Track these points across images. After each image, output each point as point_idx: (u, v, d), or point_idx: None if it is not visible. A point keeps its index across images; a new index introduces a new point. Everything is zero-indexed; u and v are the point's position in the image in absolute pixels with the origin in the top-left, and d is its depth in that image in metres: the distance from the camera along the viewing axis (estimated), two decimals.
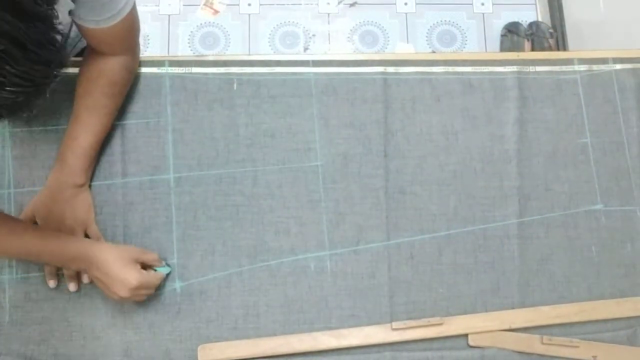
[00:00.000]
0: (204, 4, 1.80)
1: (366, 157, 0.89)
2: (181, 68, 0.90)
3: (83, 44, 0.97)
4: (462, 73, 0.93)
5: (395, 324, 0.83)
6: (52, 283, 0.80)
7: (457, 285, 0.86)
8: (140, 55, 0.88)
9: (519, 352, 0.83)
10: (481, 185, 0.90)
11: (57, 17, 0.52)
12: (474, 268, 0.87)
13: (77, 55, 0.95)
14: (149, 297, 0.80)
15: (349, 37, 1.81)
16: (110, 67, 0.81)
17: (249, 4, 1.81)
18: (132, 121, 0.87)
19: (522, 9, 1.86)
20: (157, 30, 1.76)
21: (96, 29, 0.74)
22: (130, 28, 0.79)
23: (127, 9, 0.74)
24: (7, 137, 0.85)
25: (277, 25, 1.80)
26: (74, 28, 0.91)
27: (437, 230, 0.88)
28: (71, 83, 0.85)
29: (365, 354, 0.82)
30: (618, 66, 0.96)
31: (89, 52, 0.82)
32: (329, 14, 1.82)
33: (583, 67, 0.96)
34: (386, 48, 1.81)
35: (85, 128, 0.80)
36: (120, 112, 0.86)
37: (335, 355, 0.82)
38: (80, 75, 0.82)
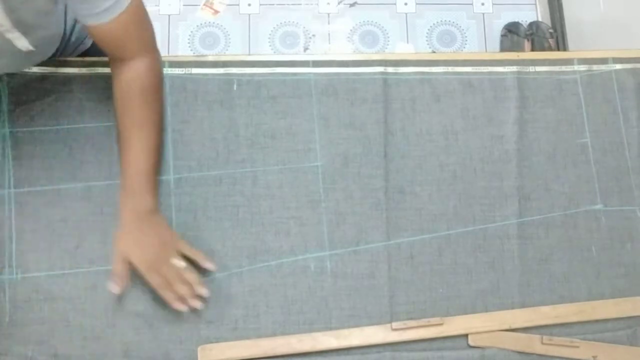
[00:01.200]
0: (204, 4, 1.80)
1: (366, 157, 0.89)
2: (181, 69, 0.90)
3: (85, 46, 0.96)
4: (462, 73, 0.93)
5: (395, 324, 0.83)
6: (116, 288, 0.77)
7: (457, 285, 0.86)
8: None
9: (519, 352, 0.83)
10: (481, 185, 0.90)
11: None
12: (474, 268, 0.87)
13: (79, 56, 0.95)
14: (147, 295, 0.81)
15: (349, 37, 1.81)
16: (135, 74, 0.77)
17: (249, 4, 1.81)
18: None
19: (522, 9, 1.86)
20: (157, 30, 1.75)
21: (100, 26, 0.71)
22: (138, 22, 0.75)
23: (127, 1, 0.70)
24: (7, 137, 0.85)
25: (277, 25, 1.80)
26: (76, 30, 0.91)
27: (437, 230, 0.88)
28: (71, 83, 0.85)
29: (365, 354, 0.83)
30: (618, 66, 0.96)
31: (112, 66, 0.79)
32: (329, 14, 1.82)
33: (583, 67, 0.96)
34: (386, 48, 1.81)
35: (137, 151, 0.77)
36: None
37: (335, 355, 0.82)
38: (113, 92, 0.79)
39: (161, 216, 0.80)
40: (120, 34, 0.73)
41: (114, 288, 0.76)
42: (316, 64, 0.92)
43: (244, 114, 0.89)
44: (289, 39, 1.79)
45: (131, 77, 0.77)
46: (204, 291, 0.79)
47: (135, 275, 0.82)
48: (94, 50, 0.91)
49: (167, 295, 0.78)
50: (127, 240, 0.77)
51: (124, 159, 0.78)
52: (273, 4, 1.82)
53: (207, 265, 0.80)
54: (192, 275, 0.79)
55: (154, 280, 0.77)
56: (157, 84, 0.80)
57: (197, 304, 0.79)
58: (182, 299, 0.78)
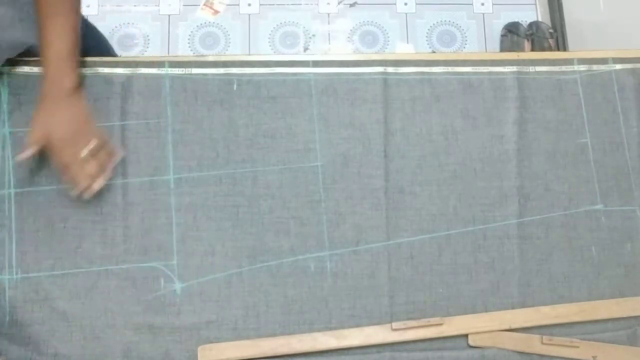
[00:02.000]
0: (204, 4, 1.81)
1: (366, 157, 0.89)
2: (181, 69, 0.90)
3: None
4: (462, 73, 0.93)
5: (395, 324, 0.83)
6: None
7: (457, 285, 0.86)
8: (140, 56, 0.88)
9: (519, 352, 0.83)
10: (481, 185, 0.90)
11: None
12: (474, 268, 0.87)
13: None
14: (148, 296, 0.80)
15: (349, 37, 1.81)
16: None
17: (249, 4, 1.81)
18: (132, 122, 0.87)
19: (522, 9, 1.86)
20: (157, 30, 1.76)
21: None
22: None
23: None
24: (7, 137, 0.85)
25: (277, 25, 1.80)
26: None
27: (437, 230, 0.88)
28: None
29: (365, 354, 0.83)
30: (618, 66, 0.96)
31: None
32: (329, 14, 1.82)
33: (583, 67, 0.96)
34: (386, 48, 1.81)
35: (54, 35, 0.77)
36: (121, 112, 0.86)
37: (335, 355, 0.82)
38: None
39: (83, 95, 0.81)
40: None
41: (24, 155, 0.78)
42: (316, 64, 0.92)
43: (244, 114, 0.89)
44: (289, 39, 1.79)
45: None
46: (108, 174, 0.82)
47: (134, 274, 0.82)
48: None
49: (74, 174, 0.79)
50: (47, 115, 0.79)
51: (42, 44, 0.78)
52: (273, 4, 1.82)
53: (117, 154, 0.83)
54: (103, 154, 0.81)
55: (66, 157, 0.79)
56: None
57: (98, 185, 0.81)
58: (87, 180, 0.80)
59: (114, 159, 0.83)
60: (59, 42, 0.78)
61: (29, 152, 0.78)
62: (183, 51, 1.74)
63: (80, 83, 0.81)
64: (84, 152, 0.79)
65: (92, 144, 0.80)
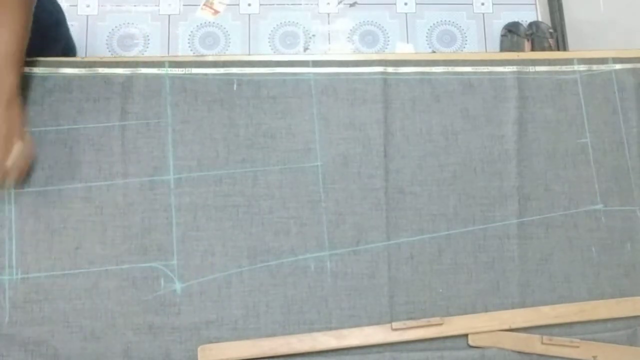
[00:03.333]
0: (204, 4, 1.80)
1: (366, 157, 0.89)
2: (181, 69, 0.90)
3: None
4: (462, 73, 0.93)
5: (395, 324, 0.83)
6: None
7: (457, 285, 0.86)
8: (140, 56, 0.88)
9: (519, 352, 0.83)
10: (481, 185, 0.90)
11: None
12: (474, 268, 0.87)
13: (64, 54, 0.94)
14: (148, 296, 0.80)
15: (349, 37, 1.81)
16: None
17: (249, 4, 1.81)
18: (132, 122, 0.87)
19: (522, 9, 1.86)
20: (157, 30, 1.76)
21: None
22: None
23: None
24: None
25: (277, 25, 1.80)
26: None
27: (437, 230, 0.88)
28: (71, 83, 0.85)
29: (365, 354, 0.83)
30: (618, 66, 0.96)
31: None
32: (329, 14, 1.82)
33: (583, 67, 0.96)
34: (386, 48, 1.81)
35: (2, 30, 0.74)
36: (121, 112, 0.86)
37: (335, 355, 0.82)
38: None
39: (19, 99, 0.78)
40: None
41: None
42: (316, 64, 0.92)
43: (244, 114, 0.89)
44: (289, 39, 1.79)
45: None
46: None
47: (134, 274, 0.83)
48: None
49: None
50: None
51: None
52: (273, 4, 1.82)
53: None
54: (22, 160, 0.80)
55: None
56: None
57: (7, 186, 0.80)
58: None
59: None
60: (4, 43, 0.75)
61: None
62: (183, 51, 1.74)
63: (19, 85, 0.79)
64: (10, 162, 0.78)
65: (17, 150, 0.78)
